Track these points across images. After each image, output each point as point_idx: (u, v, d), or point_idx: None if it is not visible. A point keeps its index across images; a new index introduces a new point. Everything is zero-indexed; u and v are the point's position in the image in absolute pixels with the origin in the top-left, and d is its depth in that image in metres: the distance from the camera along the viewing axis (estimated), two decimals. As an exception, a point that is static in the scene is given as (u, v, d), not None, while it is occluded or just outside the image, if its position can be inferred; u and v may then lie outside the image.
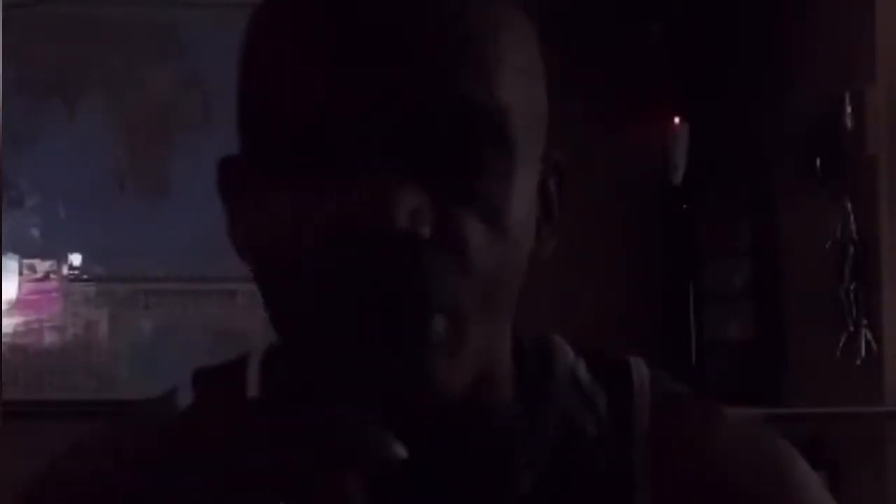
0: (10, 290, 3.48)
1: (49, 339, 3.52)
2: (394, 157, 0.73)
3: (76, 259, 3.53)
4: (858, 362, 3.22)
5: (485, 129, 0.75)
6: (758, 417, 0.91)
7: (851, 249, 3.26)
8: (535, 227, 0.80)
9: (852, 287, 3.25)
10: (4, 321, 3.37)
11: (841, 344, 3.25)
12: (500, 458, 0.82)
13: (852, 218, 3.26)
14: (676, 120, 3.69)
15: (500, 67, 0.76)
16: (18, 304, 3.50)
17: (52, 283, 3.52)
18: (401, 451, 0.71)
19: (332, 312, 0.73)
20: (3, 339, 3.31)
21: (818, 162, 3.36)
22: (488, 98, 0.75)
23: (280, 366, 0.86)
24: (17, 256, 3.50)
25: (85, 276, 3.53)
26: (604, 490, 0.83)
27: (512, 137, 0.76)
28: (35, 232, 3.53)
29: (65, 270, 3.53)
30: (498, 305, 0.77)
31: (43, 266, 3.53)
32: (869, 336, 3.21)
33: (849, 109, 3.27)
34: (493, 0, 0.78)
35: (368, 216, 0.71)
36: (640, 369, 0.88)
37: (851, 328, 3.24)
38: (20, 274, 3.51)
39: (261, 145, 0.77)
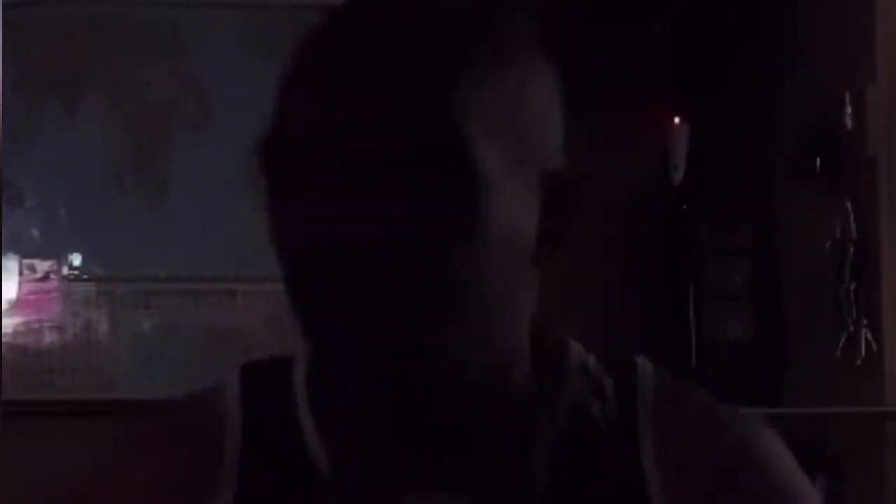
0: (10, 290, 3.47)
1: (49, 339, 3.51)
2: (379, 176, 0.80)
3: (76, 259, 3.53)
4: (858, 362, 3.21)
5: (450, 158, 0.80)
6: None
7: (851, 249, 3.26)
8: (537, 234, 0.86)
9: (852, 287, 3.25)
10: (4, 321, 3.37)
11: (841, 344, 3.25)
12: (516, 439, 0.88)
13: (852, 218, 3.26)
14: (676, 120, 3.69)
15: (472, 100, 0.82)
16: (18, 304, 3.50)
17: (52, 283, 3.52)
18: None
19: (353, 309, 0.81)
20: (3, 339, 3.31)
21: (818, 162, 3.36)
22: (450, 132, 0.80)
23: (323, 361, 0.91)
24: (17, 256, 3.50)
25: (85, 276, 3.53)
26: (612, 468, 0.89)
27: (478, 163, 0.81)
28: (35, 232, 3.53)
29: (65, 270, 3.53)
30: (512, 302, 0.85)
31: (43, 266, 3.53)
32: (869, 336, 3.20)
33: (849, 109, 3.27)
34: (480, 26, 0.84)
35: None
36: (644, 362, 0.94)
37: (851, 328, 3.24)
38: (20, 274, 3.51)
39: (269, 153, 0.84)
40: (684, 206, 3.75)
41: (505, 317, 0.86)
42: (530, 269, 0.86)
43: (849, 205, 3.27)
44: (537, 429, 0.88)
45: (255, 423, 0.90)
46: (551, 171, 0.87)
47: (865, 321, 3.21)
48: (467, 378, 0.83)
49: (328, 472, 0.87)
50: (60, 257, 3.53)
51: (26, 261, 3.52)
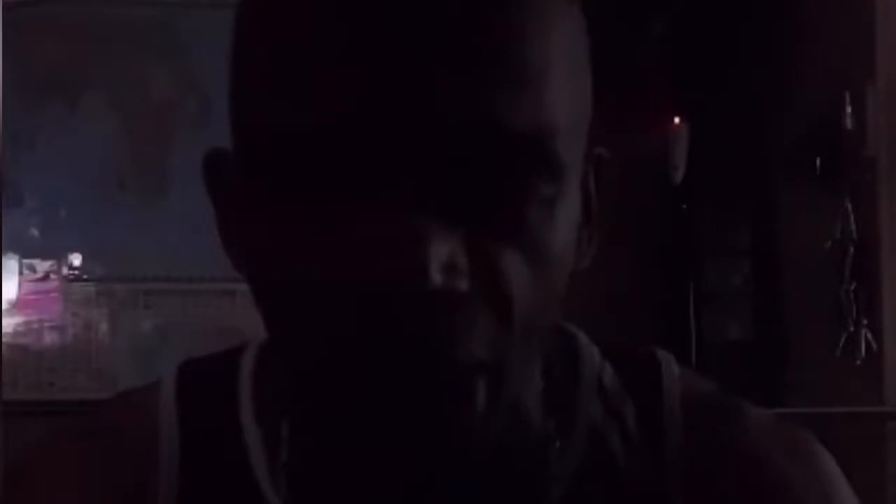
0: (10, 290, 3.47)
1: (49, 339, 3.51)
2: (422, 189, 0.61)
3: (76, 259, 3.53)
4: (858, 362, 3.22)
5: (529, 156, 0.63)
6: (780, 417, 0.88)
7: (851, 249, 3.26)
8: (577, 236, 0.72)
9: (852, 287, 3.25)
10: (4, 321, 3.37)
11: (841, 344, 3.25)
12: (530, 474, 0.75)
13: (852, 218, 3.26)
14: (676, 120, 3.69)
15: (547, 80, 0.64)
16: (18, 304, 3.50)
17: (52, 283, 3.52)
18: None
19: (351, 367, 0.63)
20: (3, 339, 3.31)
21: (818, 162, 3.36)
22: (533, 120, 0.63)
23: (277, 365, 0.80)
24: (17, 256, 3.50)
25: (85, 276, 3.53)
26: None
27: (559, 160, 0.65)
28: (35, 232, 3.53)
29: (65, 270, 3.53)
30: (538, 338, 0.68)
31: (43, 266, 3.53)
32: (869, 336, 3.21)
33: (849, 109, 3.27)
34: None
35: (397, 270, 0.60)
36: (670, 370, 0.81)
37: (851, 328, 3.24)
38: (20, 274, 3.51)
39: (259, 157, 0.66)
40: (684, 206, 3.75)
41: (533, 353, 0.69)
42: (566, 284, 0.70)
43: (849, 205, 3.27)
44: (550, 458, 0.75)
45: (193, 426, 0.78)
46: (593, 155, 0.76)
47: (865, 321, 3.21)
48: (476, 441, 0.66)
49: (273, 494, 0.75)
50: (60, 257, 3.53)
51: (26, 261, 3.52)
